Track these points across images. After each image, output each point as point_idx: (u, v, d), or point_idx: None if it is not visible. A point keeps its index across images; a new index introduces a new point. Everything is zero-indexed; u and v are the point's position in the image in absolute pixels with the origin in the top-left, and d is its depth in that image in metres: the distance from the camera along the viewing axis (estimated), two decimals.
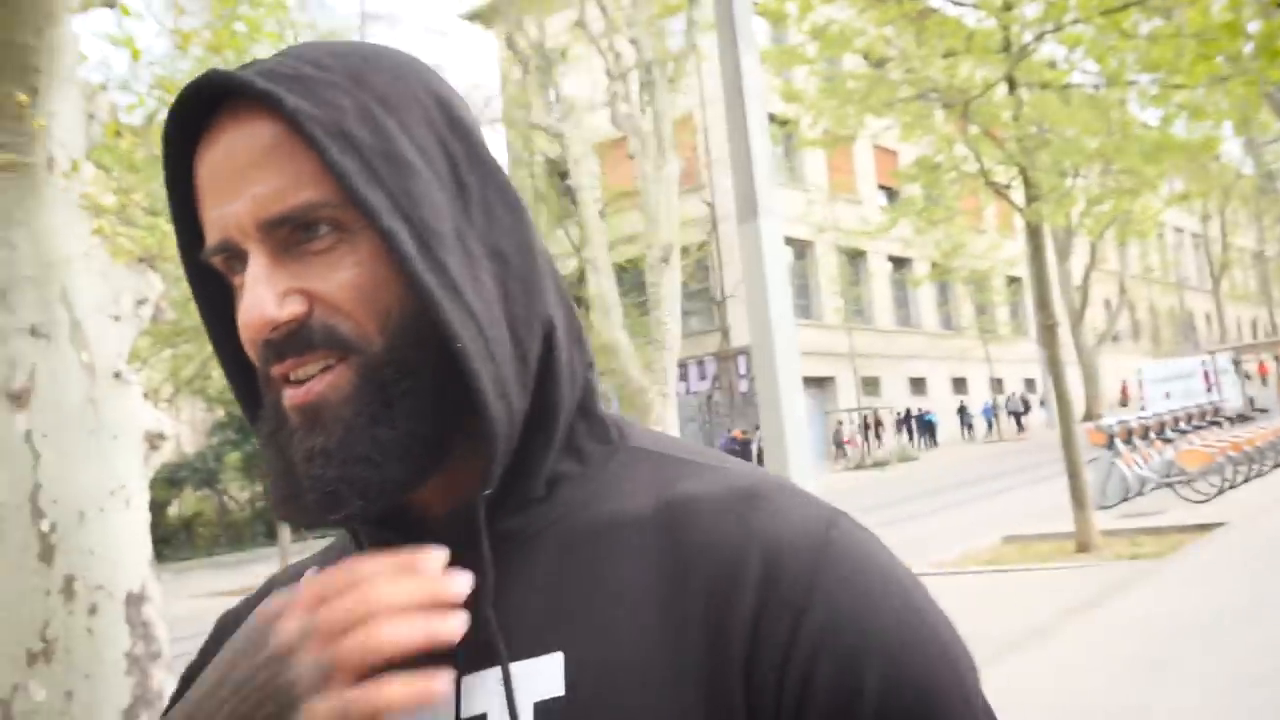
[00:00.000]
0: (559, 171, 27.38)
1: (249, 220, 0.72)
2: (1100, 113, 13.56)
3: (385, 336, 0.72)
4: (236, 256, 0.74)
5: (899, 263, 41.53)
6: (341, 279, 0.72)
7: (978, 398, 44.03)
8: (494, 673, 0.72)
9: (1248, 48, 13.35)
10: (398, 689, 0.64)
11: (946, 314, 44.93)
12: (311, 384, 0.72)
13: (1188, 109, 13.70)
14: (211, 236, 0.75)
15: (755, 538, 0.72)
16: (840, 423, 35.74)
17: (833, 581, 0.70)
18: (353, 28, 27.89)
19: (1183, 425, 16.57)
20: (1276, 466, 16.51)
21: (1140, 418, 16.11)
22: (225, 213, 0.73)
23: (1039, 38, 12.57)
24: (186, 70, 14.82)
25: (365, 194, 0.70)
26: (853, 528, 0.74)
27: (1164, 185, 20.25)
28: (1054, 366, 12.68)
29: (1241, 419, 18.13)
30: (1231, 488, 14.49)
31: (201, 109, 0.75)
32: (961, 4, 15.01)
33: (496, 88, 29.37)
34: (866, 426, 37.58)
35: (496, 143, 29.43)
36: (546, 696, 0.70)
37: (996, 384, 43.02)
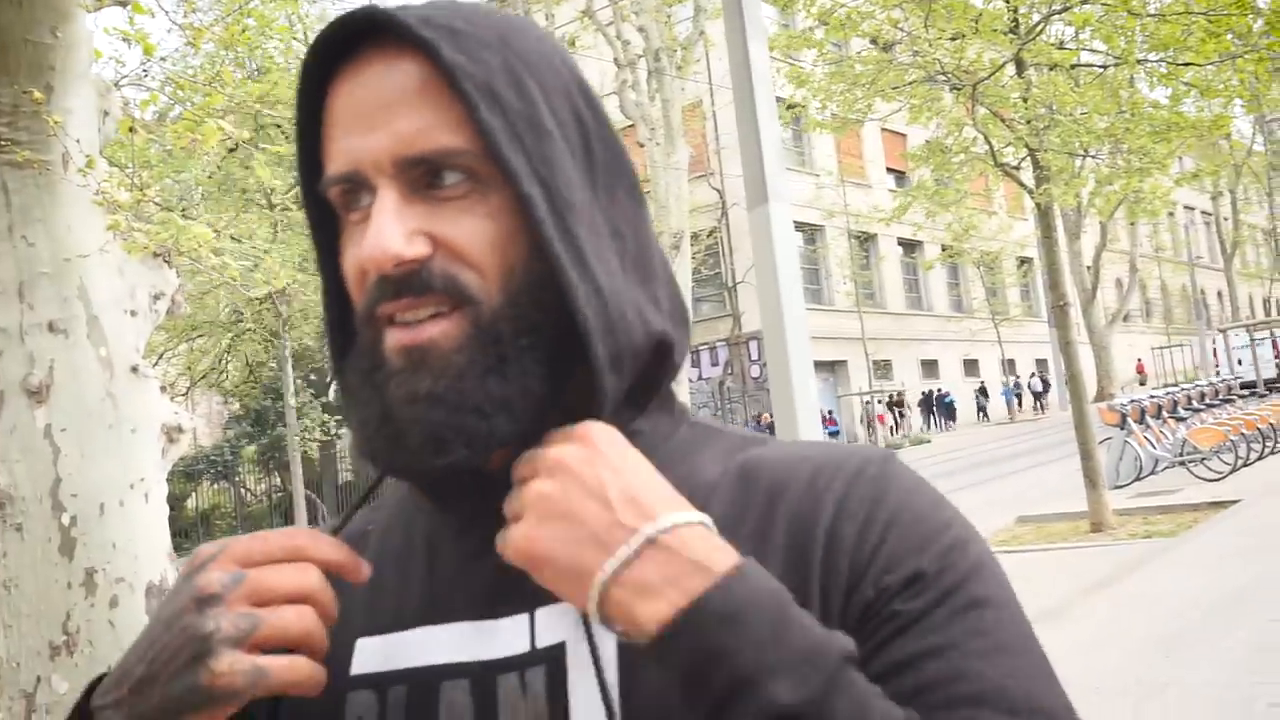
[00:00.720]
0: None
1: (386, 154, 0.72)
2: (1109, 92, 13.49)
3: (506, 293, 0.73)
4: (360, 190, 0.74)
5: (909, 246, 41.44)
6: (470, 228, 0.73)
7: (991, 379, 43.94)
8: (570, 605, 0.72)
9: (1257, 24, 13.26)
10: (304, 669, 0.68)
11: (958, 296, 44.83)
12: (423, 326, 0.72)
13: (1197, 87, 13.63)
14: (337, 165, 0.74)
15: (826, 468, 0.77)
16: (867, 402, 35.78)
17: (895, 494, 0.75)
18: None
19: (1195, 403, 16.51)
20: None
21: (1153, 396, 16.07)
22: (360, 144, 0.73)
23: (1046, 18, 12.52)
24: (198, 66, 14.88)
25: (508, 155, 0.71)
26: (903, 465, 0.79)
27: (1174, 164, 20.14)
28: (1066, 347, 12.65)
29: (1255, 394, 18.06)
30: (1245, 465, 14.45)
31: (343, 45, 0.75)
32: None
33: None
34: (894, 405, 37.79)
35: None
36: None
37: (1008, 365, 42.94)
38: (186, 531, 27.60)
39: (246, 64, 15.72)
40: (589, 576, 0.65)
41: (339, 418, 26.86)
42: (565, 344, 0.74)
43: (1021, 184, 13.55)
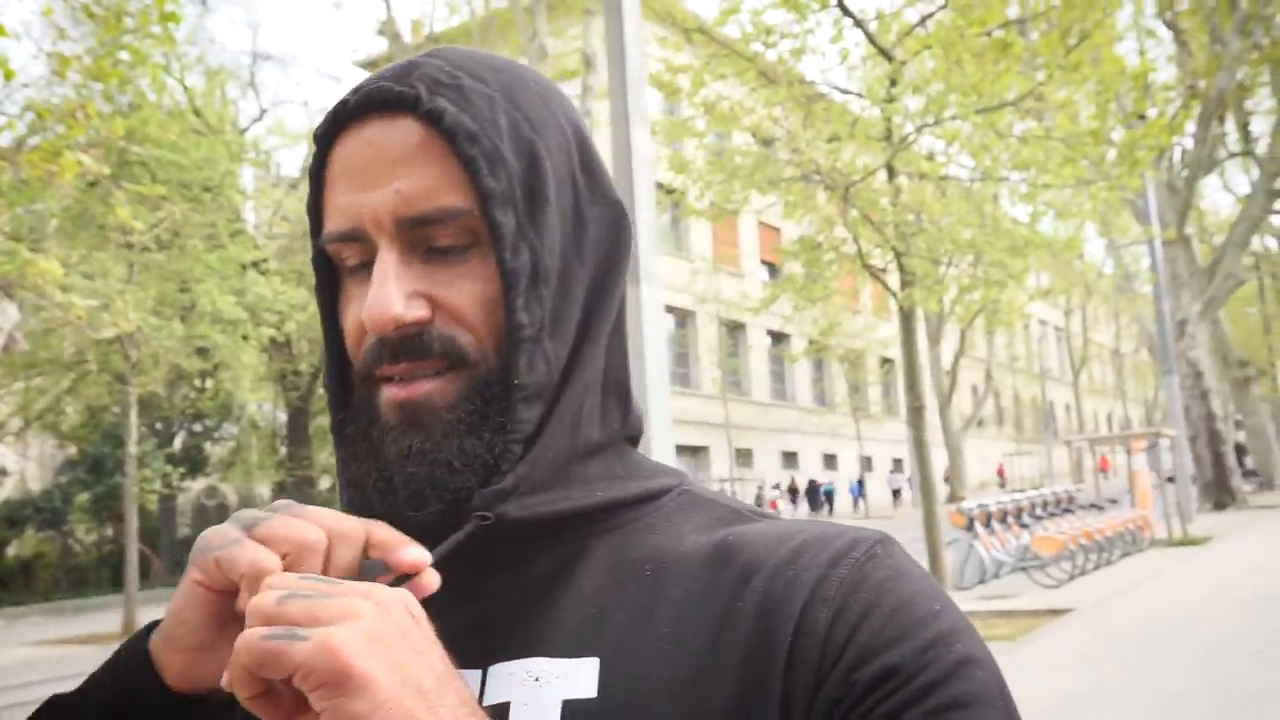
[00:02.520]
0: None
1: (387, 213, 0.72)
2: (974, 205, 14.09)
3: (499, 355, 0.74)
4: (359, 247, 0.75)
5: (777, 337, 42.30)
6: (468, 291, 0.73)
7: (846, 474, 44.84)
8: (523, 664, 0.72)
9: (1110, 154, 14.07)
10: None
11: (821, 390, 45.84)
12: (419, 383, 0.73)
13: (1054, 208, 14.36)
14: (338, 223, 0.75)
15: (809, 548, 0.72)
16: (760, 488, 36.27)
17: (878, 579, 0.70)
18: (244, 66, 27.42)
19: (1038, 511, 17.08)
20: (1124, 555, 17.12)
21: (999, 502, 16.56)
22: (361, 201, 0.73)
23: (919, 130, 13.05)
24: (63, 95, 14.35)
25: (500, 220, 0.72)
26: (900, 548, 0.75)
27: (1030, 279, 21.09)
28: (920, 448, 12.97)
29: (1094, 508, 18.79)
30: (1082, 574, 14.96)
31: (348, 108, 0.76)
32: (847, 92, 15.52)
33: None
34: (791, 491, 38.51)
35: None
36: (577, 696, 0.69)
37: (866, 462, 43.90)
38: (4, 581, 25.99)
39: (116, 99, 15.23)
40: None
41: (182, 469, 25.75)
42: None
43: (886, 286, 13.97)
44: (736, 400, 39.34)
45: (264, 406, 29.31)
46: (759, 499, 36.29)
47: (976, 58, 12.50)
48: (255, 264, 20.49)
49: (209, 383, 26.09)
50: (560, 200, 0.77)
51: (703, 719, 0.67)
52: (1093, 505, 18.90)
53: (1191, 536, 19.82)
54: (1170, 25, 26.55)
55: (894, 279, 13.89)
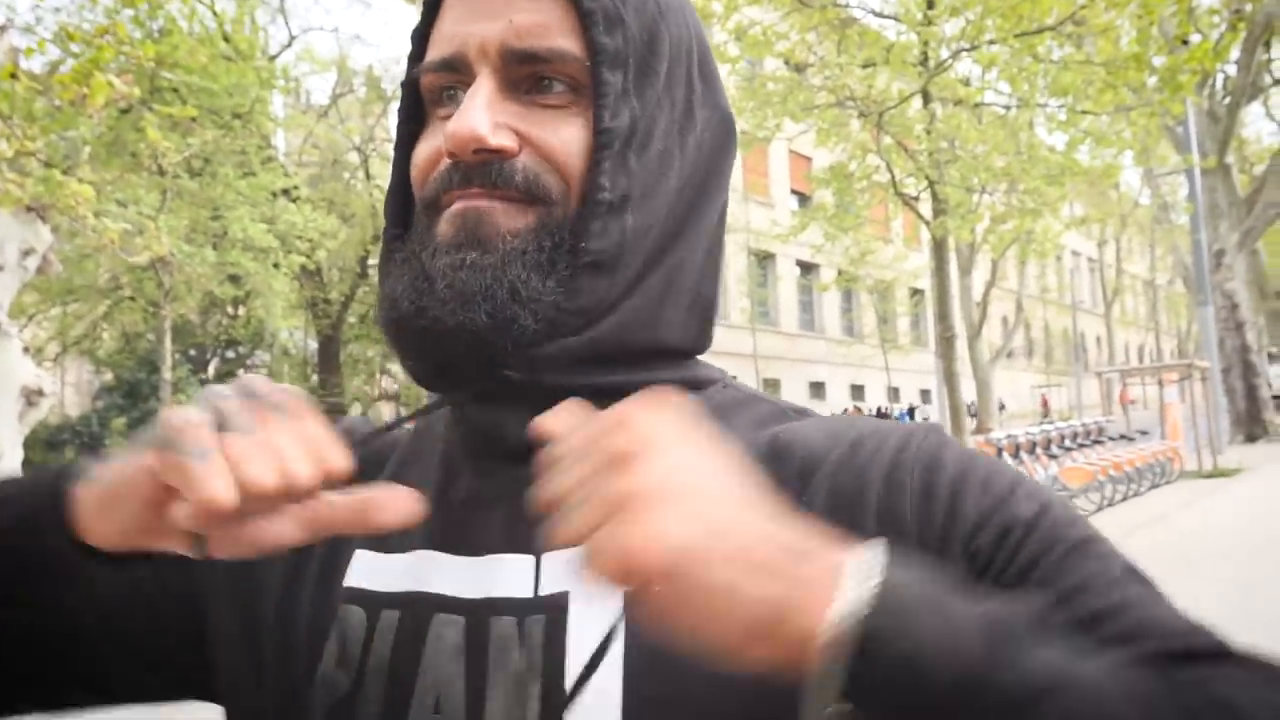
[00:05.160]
0: None
1: (495, 42, 0.70)
2: (1009, 133, 13.89)
3: (578, 213, 0.70)
4: (457, 84, 0.72)
5: (806, 268, 42.06)
6: (565, 136, 0.70)
7: (874, 404, 44.84)
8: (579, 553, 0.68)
9: (1152, 80, 13.79)
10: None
11: (850, 321, 45.66)
12: (487, 200, 0.69)
13: (1092, 135, 14.12)
14: (439, 49, 0.72)
15: (867, 441, 0.72)
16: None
17: (952, 457, 0.70)
18: None
19: (1068, 442, 17.05)
20: (1153, 487, 17.09)
21: (1028, 432, 16.54)
22: (471, 29, 0.70)
23: (955, 55, 12.84)
24: (93, 20, 14.33)
25: (607, 78, 0.70)
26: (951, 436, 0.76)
27: (1065, 208, 20.82)
28: (950, 379, 12.95)
29: (1124, 439, 18.75)
30: (1109, 505, 14.97)
31: None
32: (883, 16, 15.26)
33: None
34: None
35: None
36: None
37: (893, 393, 43.85)
38: None
39: (146, 24, 15.19)
40: (789, 623, 0.51)
41: None
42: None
43: (919, 214, 13.86)
44: (765, 330, 39.26)
45: (295, 334, 29.51)
46: None
47: None
48: (286, 191, 20.51)
49: (241, 310, 26.30)
50: (671, 85, 0.74)
51: None
52: (1123, 436, 18.85)
53: (1221, 468, 19.75)
54: None
55: (926, 208, 13.77)
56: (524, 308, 0.68)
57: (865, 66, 13.23)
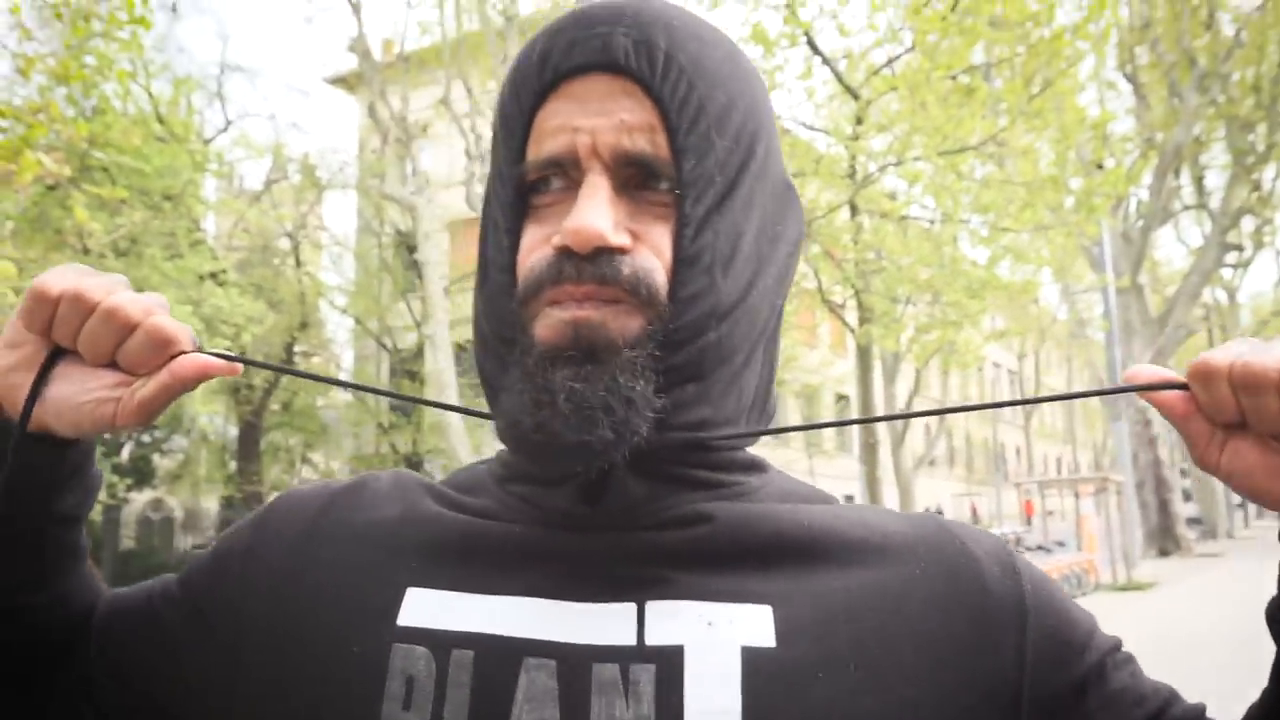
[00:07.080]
0: (408, 245, 27.11)
1: (608, 144, 0.72)
2: (933, 246, 14.26)
3: (673, 312, 0.73)
4: (559, 176, 0.74)
5: None
6: (668, 236, 0.73)
7: None
8: (689, 606, 0.70)
9: (1069, 201, 14.31)
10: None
11: (775, 424, 45.93)
12: (596, 308, 0.71)
13: (1012, 252, 14.55)
14: (549, 146, 0.73)
15: (966, 547, 0.79)
16: None
17: (1034, 584, 0.81)
18: (211, 76, 27.21)
19: None
20: (1069, 599, 17.26)
21: None
22: (581, 125, 0.72)
23: (882, 169, 13.22)
24: (26, 96, 14.16)
25: (687, 210, 0.72)
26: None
27: (986, 321, 21.33)
28: (873, 485, 13.05)
29: (1040, 550, 18.98)
30: None
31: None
32: (813, 129, 15.70)
33: (353, 154, 28.98)
34: None
35: (347, 209, 29.02)
36: (755, 644, 0.68)
37: None
38: None
39: (80, 102, 15.08)
40: None
41: (129, 480, 25.32)
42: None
43: (845, 322, 14.10)
44: None
45: (215, 419, 28.93)
46: None
47: (941, 100, 12.69)
48: (213, 275, 20.27)
49: None
50: (759, 195, 0.77)
51: (890, 684, 0.69)
52: (1040, 547, 19.08)
53: (1136, 581, 20.04)
54: (1130, 78, 27.09)
55: (852, 316, 14.01)
56: (639, 414, 0.70)
57: (795, 176, 13.56)
